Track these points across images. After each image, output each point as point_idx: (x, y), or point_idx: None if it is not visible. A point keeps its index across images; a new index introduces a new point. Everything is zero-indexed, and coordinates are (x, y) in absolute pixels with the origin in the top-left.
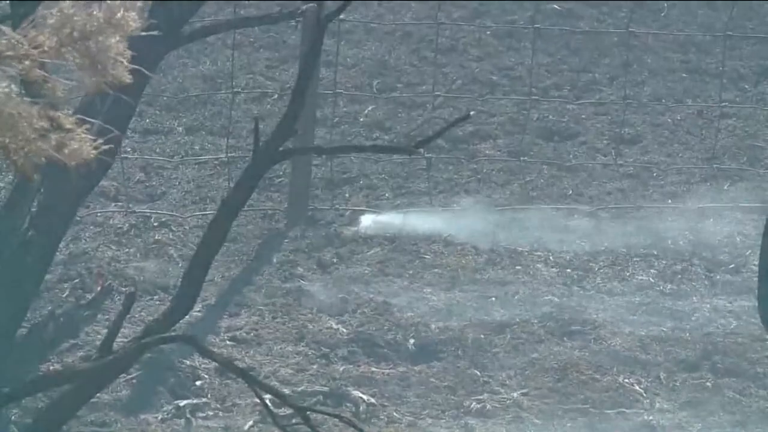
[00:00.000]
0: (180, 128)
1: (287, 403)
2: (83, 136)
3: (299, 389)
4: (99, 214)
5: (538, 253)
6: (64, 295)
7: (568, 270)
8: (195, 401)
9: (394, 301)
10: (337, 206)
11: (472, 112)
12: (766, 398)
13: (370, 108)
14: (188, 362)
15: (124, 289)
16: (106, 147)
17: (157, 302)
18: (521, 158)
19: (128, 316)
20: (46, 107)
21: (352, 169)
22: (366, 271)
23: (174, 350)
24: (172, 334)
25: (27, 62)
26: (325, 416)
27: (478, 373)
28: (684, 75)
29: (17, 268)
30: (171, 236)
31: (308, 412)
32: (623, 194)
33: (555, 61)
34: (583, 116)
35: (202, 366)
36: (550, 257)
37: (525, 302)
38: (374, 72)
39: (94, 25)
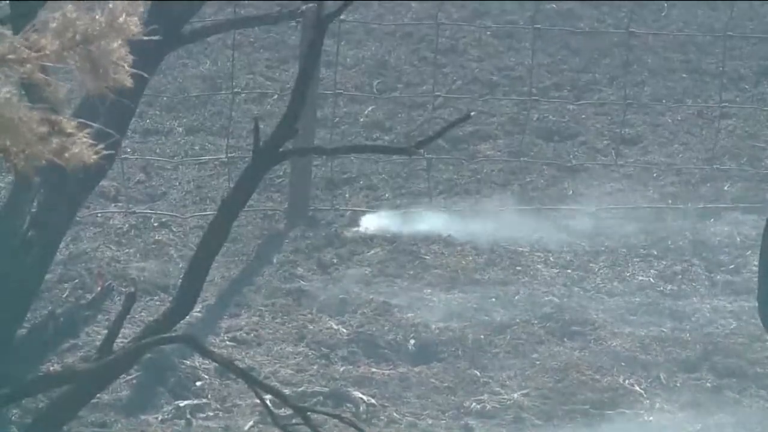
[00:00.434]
0: (180, 129)
1: (287, 404)
2: (84, 140)
3: (299, 390)
4: (99, 215)
5: (538, 254)
6: (64, 295)
7: (568, 270)
8: (195, 402)
9: (394, 301)
10: (337, 206)
11: (472, 113)
12: (766, 398)
13: (370, 108)
14: (188, 363)
15: (124, 289)
16: (107, 153)
17: (157, 302)
18: (521, 158)
19: (128, 316)
20: (47, 111)
21: (352, 170)
22: (366, 272)
23: (174, 350)
24: (172, 334)
25: (28, 66)
26: (326, 417)
27: (479, 373)
28: (684, 75)
29: (17, 268)
30: (171, 236)
31: (308, 413)
32: (623, 194)
33: (555, 61)
34: (583, 116)
35: (203, 366)
36: (550, 257)
37: (525, 303)
38: (374, 72)
39: (96, 29)
